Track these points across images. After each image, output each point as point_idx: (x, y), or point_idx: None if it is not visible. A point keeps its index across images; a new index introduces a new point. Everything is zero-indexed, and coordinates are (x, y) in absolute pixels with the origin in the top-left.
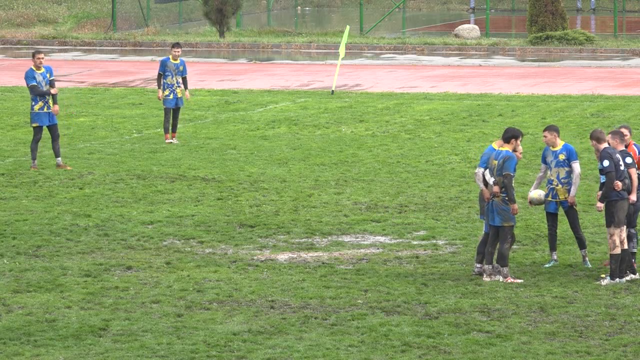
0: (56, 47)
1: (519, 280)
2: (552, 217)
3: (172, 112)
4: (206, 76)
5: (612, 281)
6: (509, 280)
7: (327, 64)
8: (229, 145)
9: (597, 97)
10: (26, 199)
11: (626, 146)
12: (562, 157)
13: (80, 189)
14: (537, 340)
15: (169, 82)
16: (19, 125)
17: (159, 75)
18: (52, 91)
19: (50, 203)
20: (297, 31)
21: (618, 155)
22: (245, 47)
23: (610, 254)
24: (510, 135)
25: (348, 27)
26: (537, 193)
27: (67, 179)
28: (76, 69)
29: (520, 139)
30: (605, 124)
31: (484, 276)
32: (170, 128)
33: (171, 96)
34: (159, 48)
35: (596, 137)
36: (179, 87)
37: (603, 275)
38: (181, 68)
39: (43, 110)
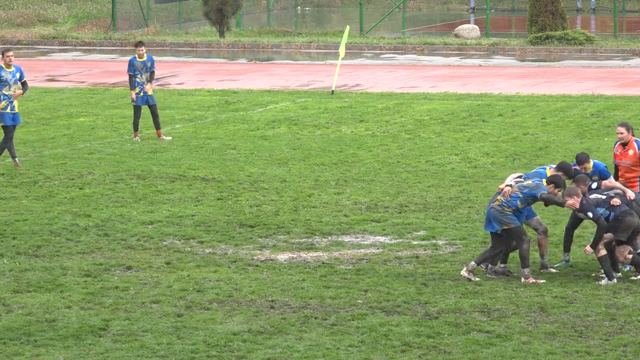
0: (56, 47)
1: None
2: (576, 219)
3: (150, 109)
4: (206, 76)
5: (610, 282)
6: (531, 281)
7: (327, 64)
8: (229, 145)
9: (597, 97)
10: (26, 199)
11: (626, 144)
12: (595, 178)
13: (80, 189)
14: (537, 340)
15: (138, 81)
16: (18, 125)
17: (130, 77)
18: (16, 93)
19: (50, 203)
20: (297, 31)
21: (592, 196)
22: (245, 47)
23: (598, 258)
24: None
25: (348, 27)
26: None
27: (67, 179)
28: (76, 69)
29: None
30: (605, 124)
31: (463, 270)
32: (139, 125)
33: (141, 94)
34: (159, 48)
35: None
36: (148, 83)
37: (594, 275)
38: (149, 64)
39: (6, 110)
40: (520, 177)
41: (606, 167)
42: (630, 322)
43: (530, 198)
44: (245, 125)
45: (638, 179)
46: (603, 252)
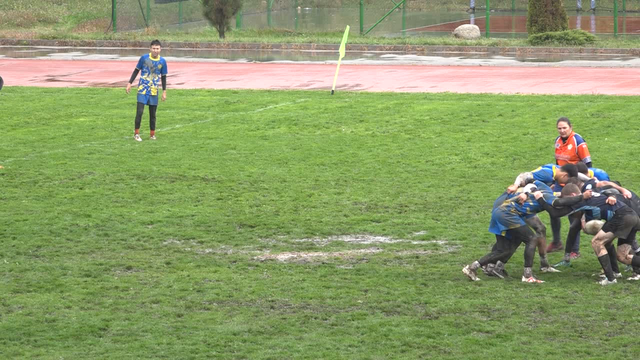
0: (56, 47)
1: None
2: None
3: (149, 109)
4: (206, 76)
5: (610, 282)
6: (531, 280)
7: (327, 64)
8: (229, 145)
9: (597, 97)
10: (26, 199)
11: (566, 138)
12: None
13: (80, 189)
14: (537, 340)
15: (144, 79)
16: (19, 125)
17: (135, 71)
18: None
19: (50, 203)
20: (297, 31)
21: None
22: (245, 47)
23: (599, 258)
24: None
25: (348, 27)
26: (591, 223)
27: (67, 179)
28: (76, 69)
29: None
30: (605, 124)
31: (465, 267)
32: (141, 124)
33: (144, 92)
34: None
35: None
36: (154, 85)
37: (594, 275)
38: (160, 66)
39: None
40: (531, 180)
41: (608, 176)
42: (630, 322)
43: (541, 207)
44: (245, 125)
45: None
46: (604, 251)
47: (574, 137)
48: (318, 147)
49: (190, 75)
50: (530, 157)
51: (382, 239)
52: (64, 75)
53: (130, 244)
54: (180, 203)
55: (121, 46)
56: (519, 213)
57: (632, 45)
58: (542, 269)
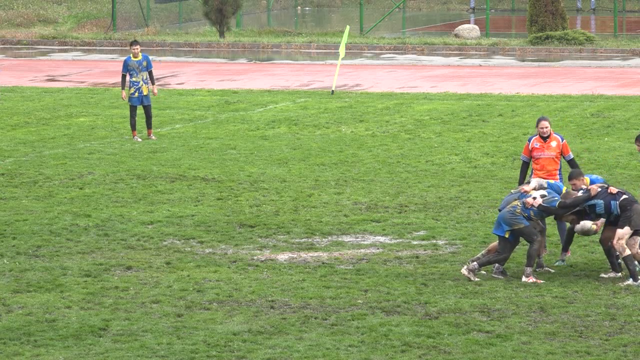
0: (56, 47)
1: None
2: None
3: (144, 109)
4: (206, 76)
5: (634, 283)
6: (531, 280)
7: (327, 64)
8: (229, 145)
9: (597, 97)
10: (26, 199)
11: (547, 137)
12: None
13: (80, 189)
14: (537, 340)
15: (134, 80)
16: (19, 125)
17: (123, 76)
18: None
19: (50, 203)
20: (297, 31)
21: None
22: (245, 47)
23: (623, 258)
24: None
25: (348, 27)
26: (582, 224)
27: (67, 179)
28: (76, 69)
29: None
30: (605, 124)
31: (463, 268)
32: (136, 125)
33: (136, 94)
34: (158, 48)
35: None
36: (145, 84)
37: (603, 275)
38: (145, 64)
39: None
40: (544, 187)
41: (605, 181)
42: (630, 322)
43: (545, 212)
44: (245, 125)
45: (558, 171)
46: (627, 252)
47: (555, 135)
48: (318, 147)
49: (190, 75)
50: None
51: (382, 239)
52: (64, 75)
53: (130, 244)
54: (180, 203)
55: (121, 46)
56: (524, 215)
57: (632, 45)
58: (537, 269)
